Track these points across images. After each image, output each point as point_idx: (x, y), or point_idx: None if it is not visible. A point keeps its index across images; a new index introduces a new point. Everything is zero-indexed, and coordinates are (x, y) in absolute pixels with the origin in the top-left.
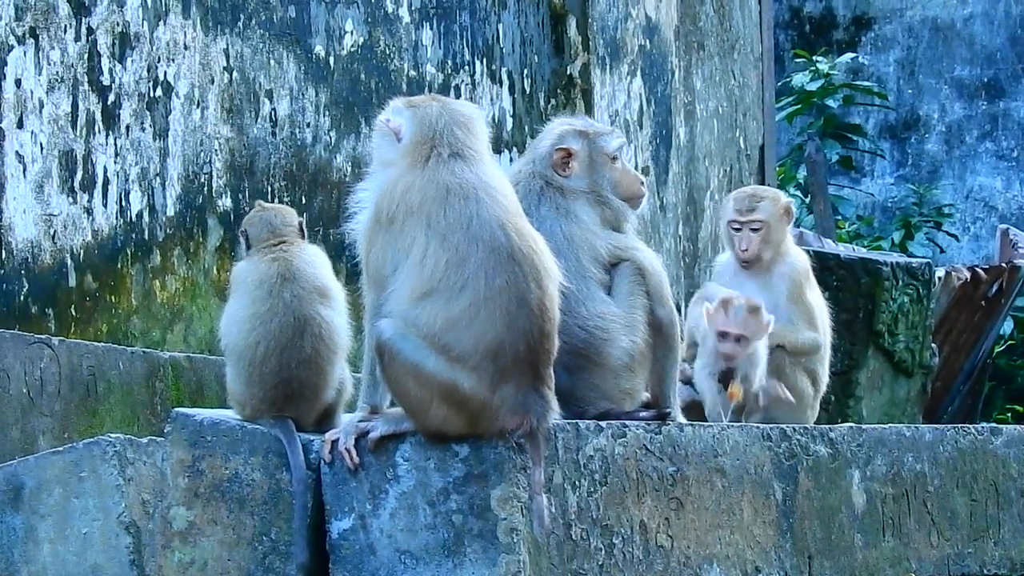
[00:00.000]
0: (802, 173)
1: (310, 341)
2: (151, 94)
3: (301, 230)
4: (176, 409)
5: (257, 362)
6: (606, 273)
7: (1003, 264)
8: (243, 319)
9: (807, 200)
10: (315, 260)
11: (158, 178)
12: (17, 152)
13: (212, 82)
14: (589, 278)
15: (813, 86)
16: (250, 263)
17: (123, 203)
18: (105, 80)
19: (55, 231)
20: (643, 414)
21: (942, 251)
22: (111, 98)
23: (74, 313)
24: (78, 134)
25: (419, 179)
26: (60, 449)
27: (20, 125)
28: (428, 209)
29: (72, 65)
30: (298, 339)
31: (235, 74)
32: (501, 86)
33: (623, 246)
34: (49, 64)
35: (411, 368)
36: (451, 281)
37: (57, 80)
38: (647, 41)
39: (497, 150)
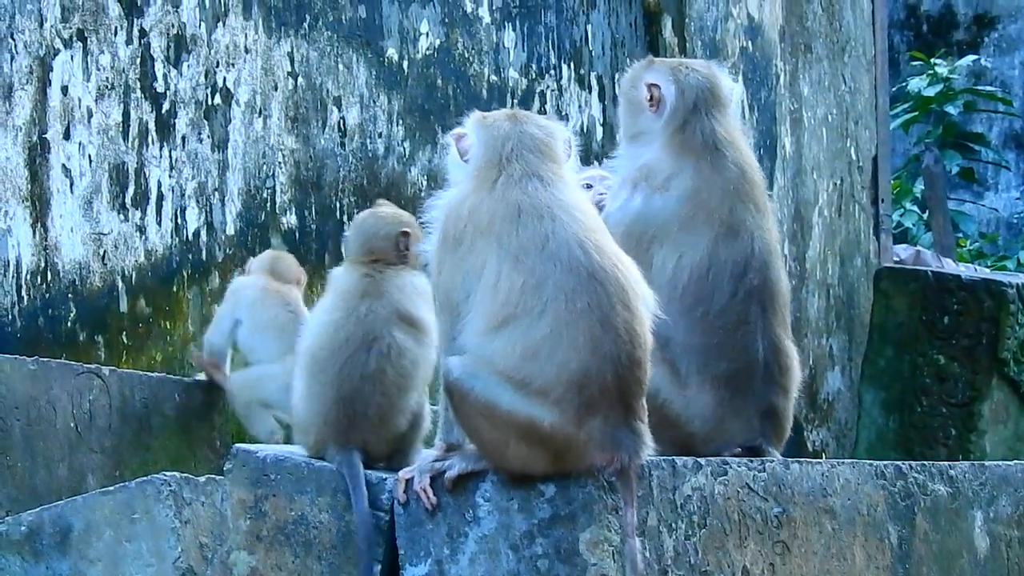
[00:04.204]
0: (919, 186)
1: (376, 358)
2: (209, 102)
3: (399, 248)
4: (237, 445)
5: (317, 369)
6: None
7: None
8: (316, 323)
9: (925, 216)
10: (409, 286)
11: (217, 193)
12: (64, 165)
13: (275, 88)
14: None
15: (931, 91)
16: (346, 271)
17: (179, 220)
18: (159, 87)
19: (105, 251)
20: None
21: None
22: (166, 106)
23: (126, 340)
24: (130, 145)
25: (487, 198)
26: (111, 488)
27: (67, 136)
28: (499, 228)
29: (123, 70)
30: (362, 353)
31: (300, 80)
32: (590, 92)
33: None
34: (98, 69)
35: (484, 408)
36: (529, 306)
37: (107, 87)
38: (749, 43)
39: (586, 161)
